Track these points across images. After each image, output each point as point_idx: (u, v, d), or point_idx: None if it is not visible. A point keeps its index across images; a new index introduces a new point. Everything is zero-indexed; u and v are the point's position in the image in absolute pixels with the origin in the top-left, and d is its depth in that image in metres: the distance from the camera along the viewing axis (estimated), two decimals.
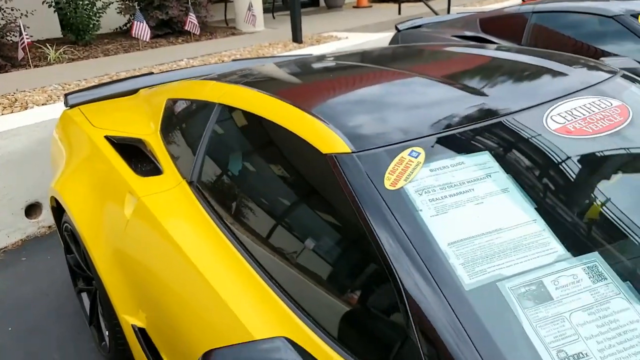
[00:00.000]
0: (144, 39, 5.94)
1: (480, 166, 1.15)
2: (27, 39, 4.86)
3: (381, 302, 1.03)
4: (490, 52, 1.88)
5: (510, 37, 4.11)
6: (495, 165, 1.15)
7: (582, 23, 3.71)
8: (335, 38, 6.87)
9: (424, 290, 0.94)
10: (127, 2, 6.88)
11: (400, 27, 5.07)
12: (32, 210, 3.46)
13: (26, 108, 3.79)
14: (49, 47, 5.67)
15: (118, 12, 6.91)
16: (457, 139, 1.21)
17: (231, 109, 1.66)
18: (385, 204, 1.07)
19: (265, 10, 9.85)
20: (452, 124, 1.25)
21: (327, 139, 1.24)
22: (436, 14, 8.49)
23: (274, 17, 9.73)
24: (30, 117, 3.48)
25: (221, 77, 1.98)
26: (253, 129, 1.56)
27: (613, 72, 1.65)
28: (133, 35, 5.87)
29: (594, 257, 1.00)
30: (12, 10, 5.48)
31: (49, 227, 3.51)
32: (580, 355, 0.86)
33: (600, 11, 3.62)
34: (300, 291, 1.21)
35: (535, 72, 1.58)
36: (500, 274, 0.96)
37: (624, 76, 1.67)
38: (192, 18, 6.53)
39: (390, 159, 1.16)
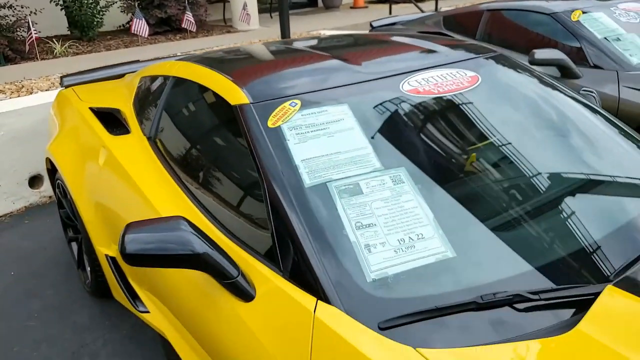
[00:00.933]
0: (143, 35, 6.44)
1: (338, 113, 1.60)
2: (35, 34, 5.38)
3: (255, 197, 1.48)
4: (398, 38, 2.32)
5: (467, 33, 4.54)
6: (349, 113, 1.60)
7: (527, 20, 4.14)
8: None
9: (279, 186, 1.40)
10: (129, 1, 7.40)
11: (374, 24, 5.51)
12: (34, 181, 3.95)
13: (31, 93, 4.29)
14: (56, 42, 6.19)
15: (121, 11, 7.43)
16: (327, 95, 1.67)
17: (180, 79, 2.13)
18: (265, 136, 1.53)
19: (264, 10, 10.34)
20: (327, 86, 1.70)
21: (235, 94, 1.71)
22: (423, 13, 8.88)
23: (271, 17, 10.21)
24: (34, 100, 3.97)
25: (182, 59, 2.44)
26: (191, 91, 2.03)
27: (487, 53, 2.08)
28: (132, 32, 6.38)
29: (401, 170, 1.44)
30: (22, 7, 6.00)
31: (50, 197, 4.00)
32: (371, 224, 1.31)
33: (541, 9, 4.05)
34: (205, 195, 1.70)
35: (414, 51, 2.02)
36: (330, 177, 1.41)
37: (499, 57, 2.10)
38: (188, 16, 7.03)
39: (275, 107, 1.61)
